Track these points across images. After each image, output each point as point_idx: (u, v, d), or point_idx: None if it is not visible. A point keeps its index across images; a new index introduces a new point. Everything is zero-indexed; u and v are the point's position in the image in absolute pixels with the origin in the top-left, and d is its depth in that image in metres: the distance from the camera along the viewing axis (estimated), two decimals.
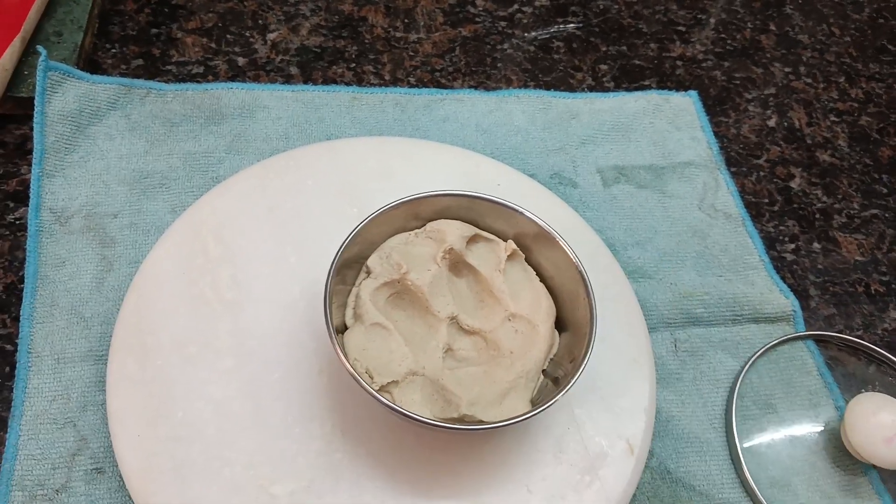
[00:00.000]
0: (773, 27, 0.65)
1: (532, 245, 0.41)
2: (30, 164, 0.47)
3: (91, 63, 0.54)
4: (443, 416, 0.36)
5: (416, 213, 0.41)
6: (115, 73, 0.54)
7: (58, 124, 0.49)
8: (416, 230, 0.41)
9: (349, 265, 0.39)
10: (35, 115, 0.48)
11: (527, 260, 0.41)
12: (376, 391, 0.34)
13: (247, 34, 0.58)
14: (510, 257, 0.40)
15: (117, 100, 0.51)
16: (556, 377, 0.38)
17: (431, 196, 0.40)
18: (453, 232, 0.40)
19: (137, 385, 0.39)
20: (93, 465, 0.39)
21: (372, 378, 0.36)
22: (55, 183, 0.47)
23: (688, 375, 0.44)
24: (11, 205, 0.47)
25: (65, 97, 0.50)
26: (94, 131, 0.50)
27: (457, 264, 0.40)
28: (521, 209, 0.40)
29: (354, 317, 0.38)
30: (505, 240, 0.41)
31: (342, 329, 0.38)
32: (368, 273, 0.39)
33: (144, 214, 0.47)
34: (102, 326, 0.42)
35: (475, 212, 0.41)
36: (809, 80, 0.61)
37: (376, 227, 0.39)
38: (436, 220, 0.41)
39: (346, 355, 0.36)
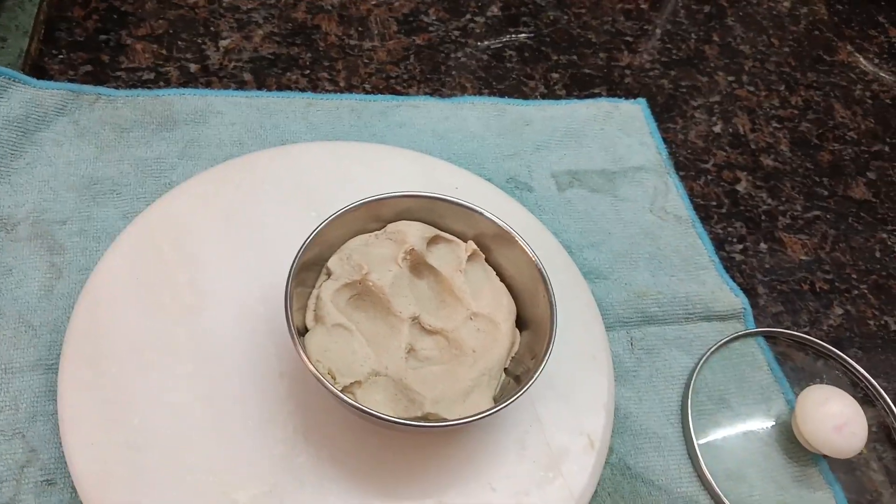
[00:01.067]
0: (716, 38, 0.67)
1: (492, 245, 0.41)
2: None
3: (37, 69, 0.53)
4: (406, 415, 0.36)
5: (377, 215, 0.41)
6: (63, 79, 0.53)
7: (3, 130, 0.48)
8: (377, 231, 0.41)
9: (308, 267, 0.39)
10: None
11: (487, 260, 0.41)
12: (339, 391, 0.34)
13: (198, 41, 0.57)
14: (470, 258, 0.41)
15: (65, 105, 0.50)
16: (518, 375, 0.38)
17: (392, 197, 0.40)
18: (414, 233, 0.40)
19: (91, 392, 0.38)
20: (43, 477, 0.37)
21: (335, 379, 0.35)
22: (0, 190, 0.46)
23: (644, 373, 0.45)
24: None
25: (10, 103, 0.49)
26: (41, 137, 0.49)
27: (417, 265, 0.40)
28: (480, 210, 0.40)
29: (315, 318, 0.38)
30: (465, 241, 0.41)
31: (303, 331, 0.38)
32: (329, 275, 0.39)
33: (95, 221, 0.46)
34: (52, 335, 0.41)
35: (435, 213, 0.41)
36: (752, 88, 0.63)
37: (336, 228, 0.39)
38: (396, 221, 0.41)
39: (308, 357, 0.35)
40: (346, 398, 0.33)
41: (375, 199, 0.40)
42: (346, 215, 0.39)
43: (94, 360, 0.39)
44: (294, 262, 0.37)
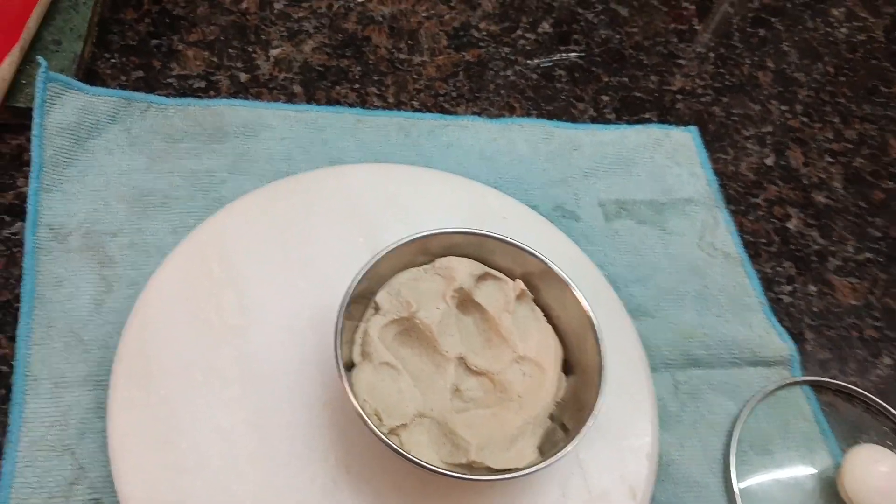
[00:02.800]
0: (770, 63, 0.66)
1: (540, 284, 0.41)
2: (26, 177, 0.46)
3: (90, 73, 0.53)
4: (451, 460, 0.36)
5: (425, 249, 0.41)
6: (114, 84, 0.53)
7: (56, 137, 0.48)
8: (425, 266, 0.41)
9: (356, 300, 0.39)
10: (34, 127, 0.47)
11: (535, 300, 0.41)
12: (385, 434, 0.34)
13: (249, 49, 0.57)
14: (518, 297, 0.40)
15: (117, 113, 0.50)
16: (563, 422, 0.38)
17: (442, 233, 0.40)
18: (462, 270, 0.40)
19: (140, 412, 0.38)
20: (91, 496, 0.38)
21: (381, 420, 0.35)
22: (53, 198, 0.46)
23: (688, 418, 0.44)
24: (7, 219, 0.46)
25: (64, 109, 0.49)
26: (93, 145, 0.49)
27: (465, 302, 0.40)
28: (530, 249, 0.40)
29: (362, 354, 0.38)
30: (513, 278, 0.41)
31: (349, 365, 0.38)
32: (377, 309, 0.39)
33: (145, 234, 0.46)
34: (101, 350, 0.42)
35: (484, 249, 0.41)
36: (805, 119, 0.62)
37: (385, 261, 0.39)
38: (445, 255, 0.41)
39: (355, 395, 0.35)
40: (391, 444, 0.34)
41: (425, 235, 0.40)
42: (395, 250, 0.39)
43: (143, 381, 0.39)
44: (345, 296, 0.37)
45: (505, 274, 0.41)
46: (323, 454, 0.38)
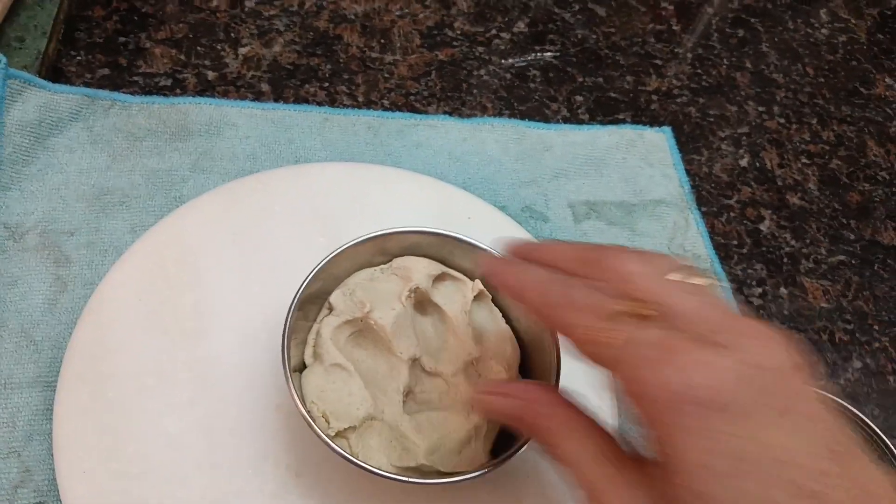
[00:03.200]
0: (748, 64, 0.65)
1: None
2: None
3: (54, 70, 0.53)
4: (400, 463, 0.35)
5: (383, 249, 0.40)
6: (80, 81, 0.53)
7: (16, 135, 0.47)
8: (382, 266, 0.40)
9: (311, 300, 0.38)
10: None
11: (494, 300, 0.40)
12: (332, 437, 0.33)
13: (218, 47, 0.57)
14: (477, 298, 0.40)
15: (80, 111, 0.50)
16: None
17: (399, 232, 0.39)
18: (420, 270, 0.39)
19: (87, 416, 0.38)
20: (36, 499, 0.37)
21: (328, 423, 0.35)
22: (10, 196, 0.46)
23: None
24: None
25: (24, 106, 0.48)
26: (54, 143, 0.48)
27: (423, 302, 0.39)
28: (489, 249, 0.39)
29: (314, 355, 0.37)
30: (472, 279, 0.40)
31: (302, 367, 0.37)
32: (330, 310, 0.38)
33: (102, 233, 0.46)
34: (53, 351, 0.41)
35: (444, 249, 0.40)
36: (782, 121, 0.61)
37: (341, 261, 0.39)
38: (403, 255, 0.40)
39: (303, 397, 0.35)
40: (336, 447, 0.33)
41: (383, 234, 0.39)
42: (351, 248, 0.38)
43: (92, 383, 0.39)
44: (296, 295, 0.36)
45: (464, 274, 0.40)
46: (273, 460, 0.38)
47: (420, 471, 0.35)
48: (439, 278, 0.40)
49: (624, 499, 0.26)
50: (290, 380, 0.34)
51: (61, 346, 0.41)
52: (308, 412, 0.34)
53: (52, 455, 0.37)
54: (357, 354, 0.37)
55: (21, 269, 0.43)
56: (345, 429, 0.35)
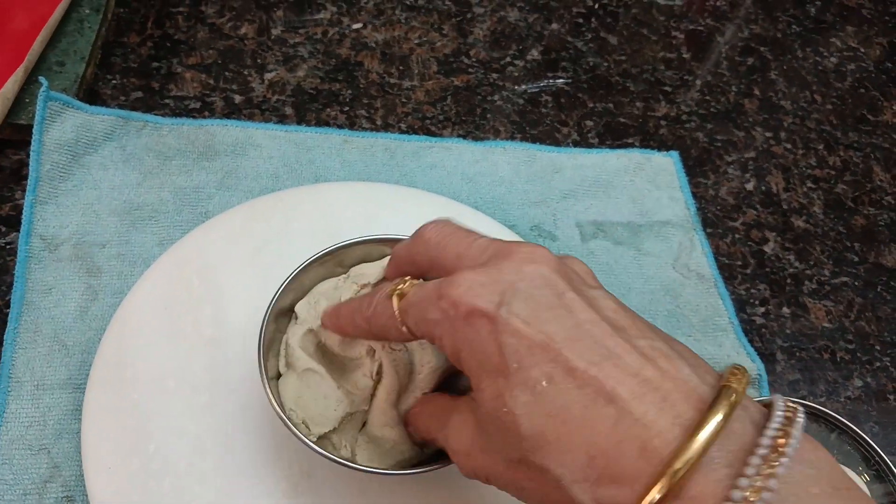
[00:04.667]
0: (756, 91, 0.67)
1: None
2: (24, 190, 0.48)
3: (91, 93, 0.56)
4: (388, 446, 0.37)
5: (341, 261, 0.41)
6: (114, 104, 0.56)
7: (54, 153, 0.50)
8: (343, 276, 0.42)
9: (285, 313, 0.40)
10: (33, 143, 0.49)
11: None
12: (315, 441, 0.35)
13: (245, 72, 0.60)
14: None
15: (114, 131, 0.53)
16: None
17: (349, 244, 0.41)
18: (374, 273, 0.40)
19: (113, 416, 0.40)
20: (64, 493, 0.39)
21: (309, 429, 0.36)
22: (47, 210, 0.48)
23: None
24: (3, 229, 0.48)
25: (63, 127, 0.51)
26: (88, 161, 0.51)
27: None
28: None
29: (287, 364, 0.39)
30: None
31: (279, 377, 0.39)
32: (296, 319, 0.40)
33: (132, 246, 0.48)
34: (83, 355, 0.43)
35: (390, 249, 0.42)
36: (789, 146, 0.63)
37: (309, 274, 0.40)
38: (359, 264, 0.42)
39: (282, 405, 0.36)
40: (316, 447, 0.34)
41: (335, 249, 0.41)
42: (317, 261, 0.40)
43: (117, 385, 0.41)
44: (268, 309, 0.38)
45: None
46: (285, 462, 0.40)
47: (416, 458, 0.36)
48: None
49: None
50: (268, 389, 0.36)
51: (91, 350, 0.43)
52: (288, 418, 0.35)
53: (80, 452, 0.39)
54: (326, 358, 0.39)
55: (55, 278, 0.46)
56: (327, 432, 0.36)
